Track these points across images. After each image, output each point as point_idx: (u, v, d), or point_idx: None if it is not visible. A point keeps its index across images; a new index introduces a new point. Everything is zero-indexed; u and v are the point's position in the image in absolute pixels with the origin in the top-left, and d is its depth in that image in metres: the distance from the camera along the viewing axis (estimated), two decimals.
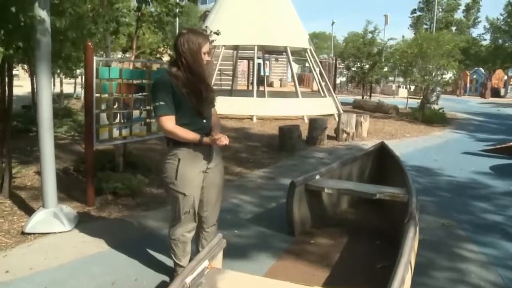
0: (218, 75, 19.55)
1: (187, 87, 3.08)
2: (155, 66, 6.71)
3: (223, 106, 13.97)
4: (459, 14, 48.95)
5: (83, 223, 4.71)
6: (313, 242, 4.46)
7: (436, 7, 38.94)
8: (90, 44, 5.03)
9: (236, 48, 19.92)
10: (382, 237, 4.61)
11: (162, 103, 3.05)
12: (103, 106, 5.27)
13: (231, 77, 22.06)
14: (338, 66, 28.52)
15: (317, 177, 4.91)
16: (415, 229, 3.30)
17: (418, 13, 48.49)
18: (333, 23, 49.50)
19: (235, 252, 4.02)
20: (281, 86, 35.72)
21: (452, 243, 4.57)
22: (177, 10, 7.39)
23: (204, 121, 3.21)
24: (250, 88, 22.61)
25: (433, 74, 17.87)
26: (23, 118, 10.41)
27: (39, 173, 5.51)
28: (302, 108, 15.18)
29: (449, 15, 47.07)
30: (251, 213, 5.33)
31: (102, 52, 10.02)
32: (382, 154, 6.28)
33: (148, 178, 6.33)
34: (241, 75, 32.68)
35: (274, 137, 10.34)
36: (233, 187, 6.39)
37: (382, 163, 6.16)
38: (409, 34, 40.12)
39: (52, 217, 4.41)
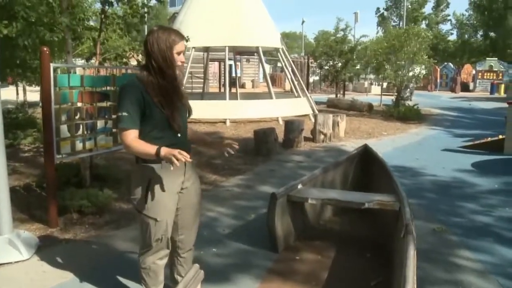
0: (189, 78, 19.09)
1: (159, 94, 2.66)
2: (121, 72, 6.26)
3: (194, 110, 13.61)
4: (428, 10, 49.62)
5: (44, 248, 4.23)
6: (298, 258, 4.10)
7: (405, 3, 39.16)
8: (46, 49, 4.57)
9: (206, 49, 19.46)
10: (371, 248, 4.29)
11: (125, 114, 2.60)
12: (64, 117, 4.79)
13: (202, 80, 21.57)
14: (310, 65, 28.32)
15: (299, 186, 4.55)
16: (414, 244, 2.98)
17: (383, 12, 48.93)
18: (303, 21, 49.53)
19: (214, 275, 3.63)
20: (253, 87, 35.40)
21: (446, 251, 4.30)
22: (144, 10, 6.90)
23: (179, 135, 2.78)
24: (222, 90, 22.18)
25: (407, 70, 17.82)
26: None
27: None
28: (276, 110, 14.81)
29: (417, 11, 47.54)
30: (230, 227, 4.94)
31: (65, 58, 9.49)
32: (366, 157, 5.97)
33: (118, 191, 5.89)
34: (213, 77, 32.29)
35: (249, 141, 9.94)
36: (209, 198, 5.97)
37: (367, 167, 5.85)
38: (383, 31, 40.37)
39: (7, 245, 3.92)
